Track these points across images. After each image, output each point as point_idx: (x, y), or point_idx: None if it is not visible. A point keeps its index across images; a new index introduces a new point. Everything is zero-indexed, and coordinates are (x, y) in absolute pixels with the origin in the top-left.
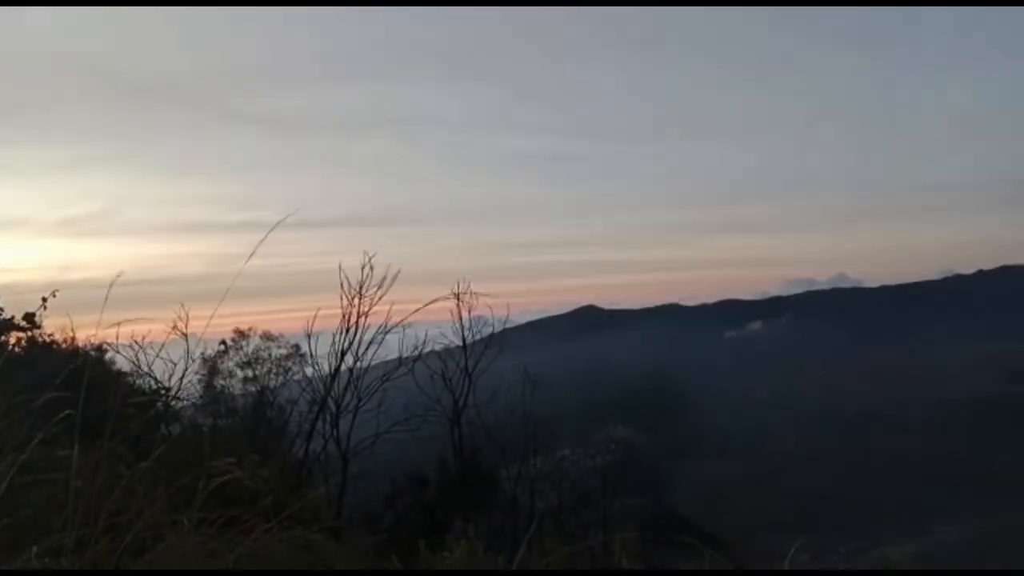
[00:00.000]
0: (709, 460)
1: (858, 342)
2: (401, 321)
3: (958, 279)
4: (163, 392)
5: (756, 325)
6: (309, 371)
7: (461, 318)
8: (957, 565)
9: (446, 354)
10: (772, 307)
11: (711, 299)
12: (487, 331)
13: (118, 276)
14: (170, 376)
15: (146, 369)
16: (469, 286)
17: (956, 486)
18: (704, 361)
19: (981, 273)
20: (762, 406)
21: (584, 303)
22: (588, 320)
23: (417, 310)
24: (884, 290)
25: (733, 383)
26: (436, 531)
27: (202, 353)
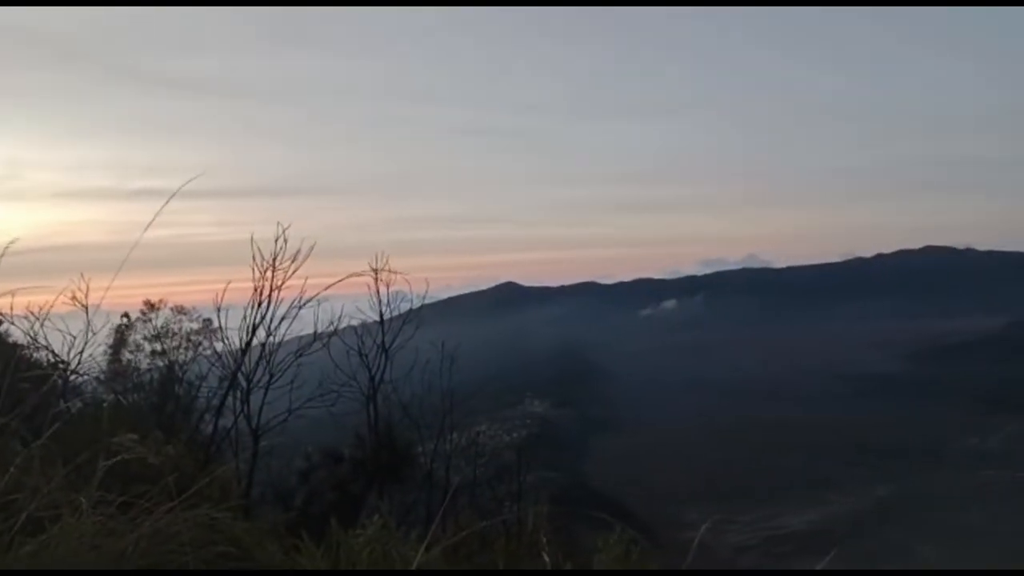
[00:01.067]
0: (622, 434)
1: (766, 320)
2: (316, 295)
3: (859, 262)
4: (61, 366)
5: (670, 303)
6: (219, 346)
7: (379, 293)
8: (853, 533)
9: (363, 329)
10: (686, 286)
11: (627, 277)
12: (405, 307)
13: (12, 243)
14: (70, 349)
15: (43, 342)
16: (387, 260)
17: (854, 458)
18: (620, 338)
19: (880, 256)
20: (674, 381)
21: (504, 280)
22: (507, 296)
23: (331, 284)
24: (791, 271)
25: (647, 359)
26: (350, 507)
27: (107, 326)
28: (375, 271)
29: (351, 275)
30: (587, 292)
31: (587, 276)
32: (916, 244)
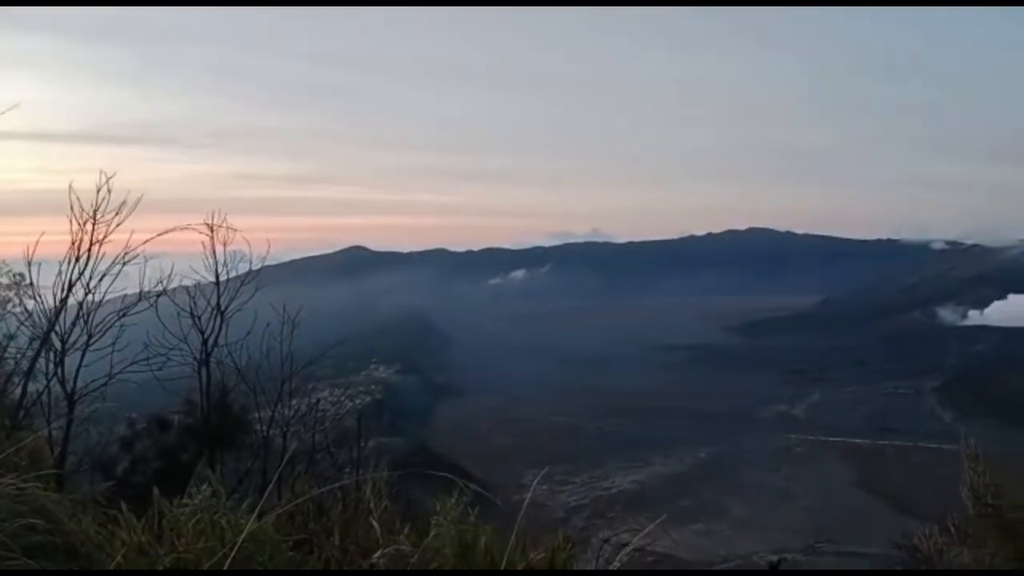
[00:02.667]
0: (467, 400)
1: (607, 292)
2: (142, 251)
3: (693, 240)
4: None
5: (519, 273)
6: (31, 304)
7: (215, 252)
8: (674, 492)
9: (196, 290)
10: (534, 257)
11: (477, 246)
12: (244, 267)
13: None
14: None
15: None
16: (225, 217)
17: (679, 422)
18: (468, 306)
19: (711, 235)
20: (519, 349)
21: (352, 243)
22: (356, 261)
23: (151, 238)
24: (631, 246)
25: (494, 327)
26: (178, 476)
27: None
28: (211, 227)
29: (179, 228)
30: (437, 259)
31: (437, 243)
32: (743, 225)
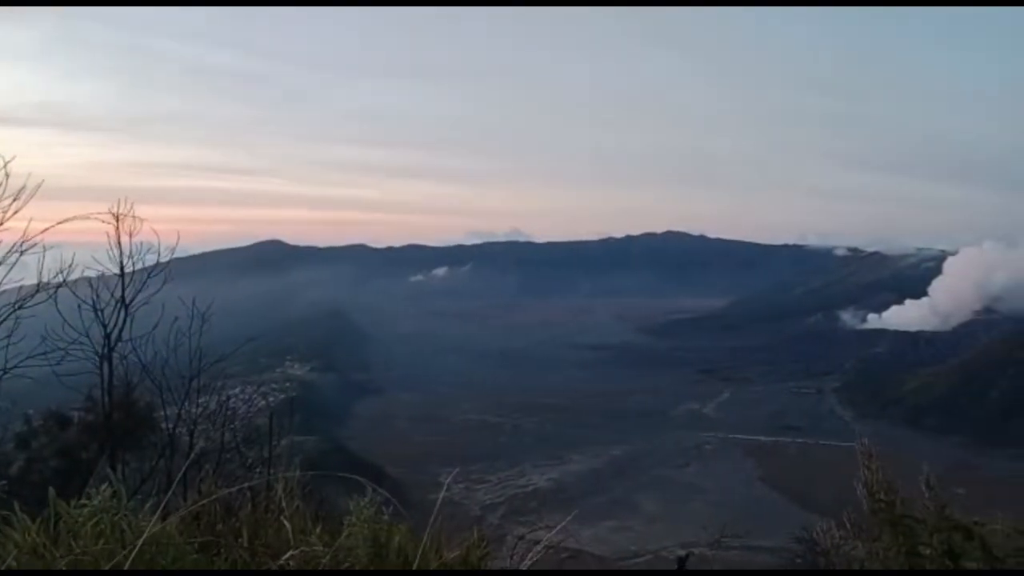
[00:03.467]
0: (384, 398)
1: (527, 292)
2: (41, 239)
3: (612, 241)
4: None
5: (441, 271)
6: None
7: (120, 242)
8: (589, 489)
9: (100, 282)
10: (455, 255)
11: (398, 243)
12: (152, 259)
13: None
14: None
15: None
16: (132, 206)
17: (595, 421)
18: (388, 303)
19: (629, 238)
20: (439, 348)
21: (268, 237)
22: (271, 255)
23: (51, 226)
24: (552, 246)
25: (414, 325)
26: (78, 476)
27: None
28: (116, 217)
29: (82, 216)
30: (356, 255)
31: (357, 239)
32: (660, 228)
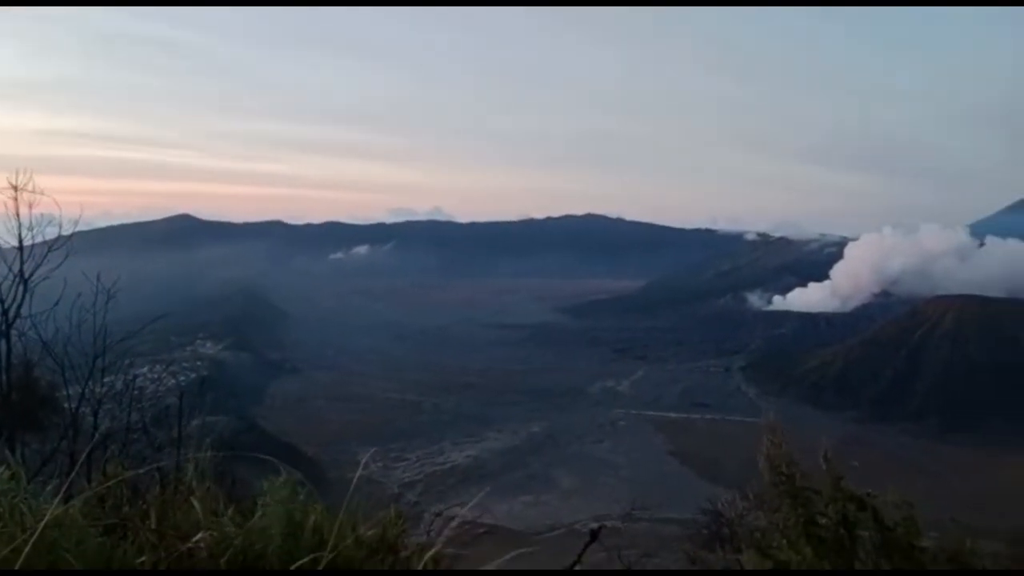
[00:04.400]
0: (301, 377)
1: (448, 271)
2: None
3: (532, 222)
4: None
5: (362, 249)
6: None
7: (18, 213)
8: (506, 465)
9: None
10: (377, 233)
11: (317, 219)
12: (53, 232)
13: None
14: None
15: None
16: (31, 176)
17: (513, 399)
18: (307, 281)
19: (550, 219)
20: (358, 326)
21: (179, 211)
22: (182, 230)
23: None
24: (473, 227)
25: (333, 303)
26: None
27: None
28: (14, 187)
29: None
30: (273, 231)
31: (273, 215)
32: (579, 211)
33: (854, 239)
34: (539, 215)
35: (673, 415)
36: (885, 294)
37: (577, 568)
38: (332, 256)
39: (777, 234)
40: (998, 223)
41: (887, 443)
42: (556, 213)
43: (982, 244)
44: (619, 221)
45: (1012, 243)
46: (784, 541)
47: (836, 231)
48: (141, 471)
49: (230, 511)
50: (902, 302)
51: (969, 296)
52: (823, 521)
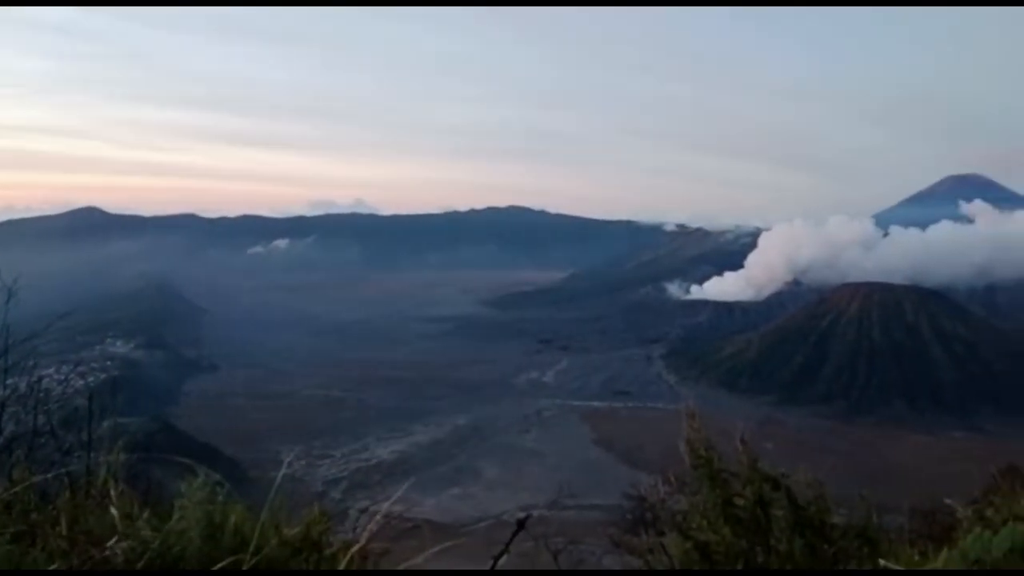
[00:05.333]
0: (220, 375)
1: (371, 264)
2: None
3: (456, 215)
4: None
5: (282, 243)
6: None
7: None
8: (432, 459)
9: None
10: (296, 226)
11: (232, 213)
12: None
13: None
14: None
15: None
16: None
17: (439, 392)
18: (224, 276)
19: (473, 211)
20: (279, 322)
21: (84, 204)
22: (89, 224)
23: None
24: (396, 219)
25: (252, 299)
26: None
27: None
28: None
29: None
30: (186, 225)
31: (186, 208)
32: (503, 203)
33: (767, 230)
34: (463, 207)
35: (597, 404)
36: (796, 283)
37: (505, 557)
38: (250, 250)
39: (695, 225)
40: (898, 214)
41: (799, 424)
42: (480, 205)
43: (886, 234)
44: (543, 213)
45: (913, 233)
46: (704, 522)
47: (751, 222)
48: (49, 475)
49: (146, 515)
50: (812, 290)
51: (873, 284)
52: (740, 502)
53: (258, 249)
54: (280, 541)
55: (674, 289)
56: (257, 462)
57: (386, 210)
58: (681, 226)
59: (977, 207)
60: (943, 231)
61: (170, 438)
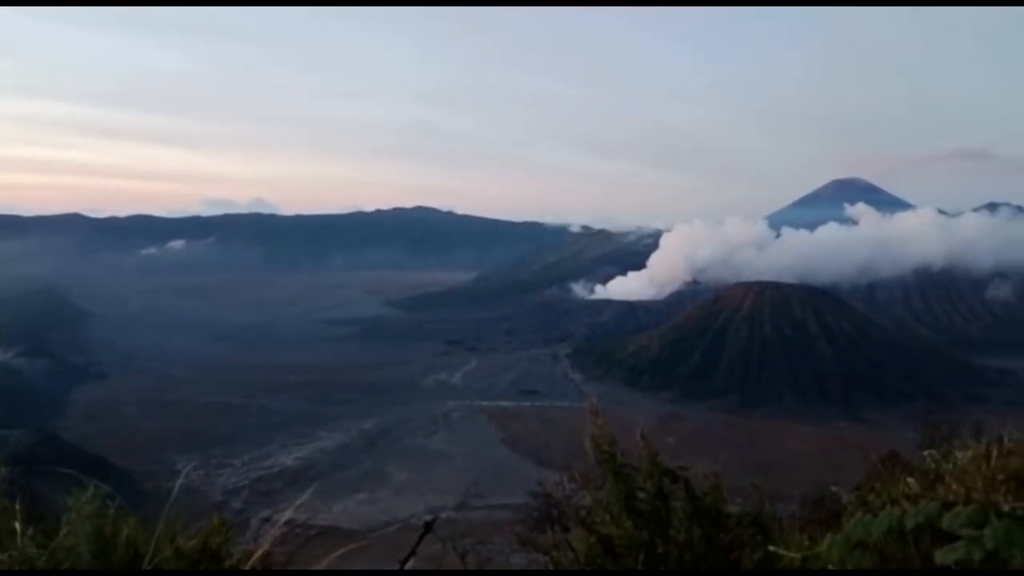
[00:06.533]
0: (110, 382)
1: (273, 266)
2: None
3: (361, 215)
4: None
5: (178, 244)
6: None
7: None
8: (337, 464)
9: None
10: (194, 227)
11: (123, 213)
12: None
13: None
14: None
15: None
16: None
17: (345, 396)
18: (115, 279)
19: (379, 212)
20: (174, 326)
21: None
22: None
23: None
24: (299, 219)
25: (146, 302)
26: None
27: None
28: None
29: None
30: (72, 225)
31: (71, 207)
32: (409, 203)
33: (668, 231)
34: (368, 207)
35: (505, 404)
36: (695, 282)
37: (412, 560)
38: (143, 251)
39: (598, 227)
40: (788, 216)
41: (697, 419)
42: (386, 206)
43: (779, 235)
44: (450, 214)
45: (802, 234)
46: (607, 516)
47: (652, 224)
48: None
49: (30, 531)
50: (710, 289)
51: (765, 282)
52: (642, 495)
53: (151, 250)
54: (177, 553)
55: (579, 289)
56: (151, 474)
57: (288, 210)
58: (585, 227)
59: (860, 209)
60: (829, 232)
61: (55, 450)
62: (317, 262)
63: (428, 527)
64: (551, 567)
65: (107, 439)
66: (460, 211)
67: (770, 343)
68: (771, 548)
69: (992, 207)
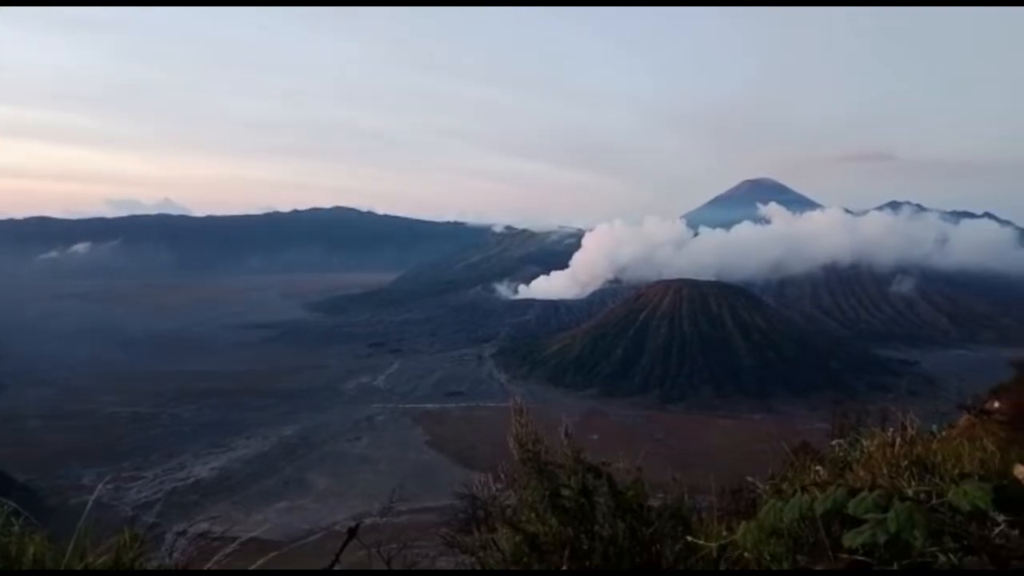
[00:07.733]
0: (6, 392)
1: (184, 269)
2: None
3: (278, 216)
4: None
5: (81, 247)
6: None
7: None
8: (256, 473)
9: None
10: (97, 229)
11: (20, 215)
12: None
13: None
14: None
15: None
16: None
17: (263, 402)
18: (11, 283)
19: (296, 212)
20: (77, 333)
21: None
22: None
23: None
24: (211, 220)
25: (46, 308)
26: None
27: None
28: None
29: None
30: None
31: None
32: (327, 203)
33: (590, 230)
34: (285, 208)
35: (429, 406)
36: (617, 280)
37: (336, 568)
38: (43, 256)
39: (521, 227)
40: (704, 215)
41: (619, 415)
42: (303, 206)
43: (696, 234)
44: (370, 214)
45: (718, 233)
46: (533, 514)
47: (574, 223)
48: None
49: None
50: (631, 287)
51: (683, 280)
52: (566, 492)
53: (52, 254)
54: (87, 570)
55: (503, 289)
56: (56, 489)
57: (199, 211)
58: (508, 227)
59: (772, 209)
60: (744, 231)
61: None
62: (231, 265)
63: (352, 533)
64: (478, 567)
65: (6, 454)
66: (380, 211)
67: (689, 339)
68: (689, 539)
69: (894, 206)
